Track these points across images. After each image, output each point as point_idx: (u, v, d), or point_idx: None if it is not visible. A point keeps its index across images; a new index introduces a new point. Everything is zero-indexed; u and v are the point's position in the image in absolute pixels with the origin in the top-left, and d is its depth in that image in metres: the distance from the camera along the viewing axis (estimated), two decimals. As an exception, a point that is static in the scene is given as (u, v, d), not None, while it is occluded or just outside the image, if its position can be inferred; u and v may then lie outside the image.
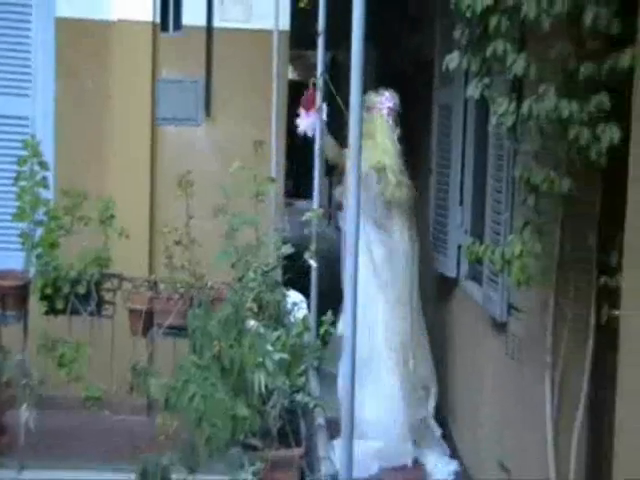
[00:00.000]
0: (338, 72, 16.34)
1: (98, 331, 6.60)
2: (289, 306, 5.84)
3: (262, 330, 4.90)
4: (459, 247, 7.63)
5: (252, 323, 5.05)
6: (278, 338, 5.13)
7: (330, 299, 6.27)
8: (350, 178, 3.00)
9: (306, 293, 6.86)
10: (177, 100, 8.00)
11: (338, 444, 7.26)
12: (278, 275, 6.38)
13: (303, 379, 5.02)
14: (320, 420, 4.76)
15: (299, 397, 4.94)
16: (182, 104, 7.98)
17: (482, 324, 6.94)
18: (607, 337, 4.88)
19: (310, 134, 7.70)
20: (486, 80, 5.28)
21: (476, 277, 7.18)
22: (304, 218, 5.90)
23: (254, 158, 6.53)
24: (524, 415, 5.84)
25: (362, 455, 7.37)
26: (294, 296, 6.18)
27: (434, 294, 8.67)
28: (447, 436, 8.12)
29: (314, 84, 7.70)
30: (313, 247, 5.57)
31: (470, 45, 5.29)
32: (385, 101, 7.98)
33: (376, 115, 7.95)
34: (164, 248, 6.46)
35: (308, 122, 7.63)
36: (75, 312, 6.59)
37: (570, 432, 5.29)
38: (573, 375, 5.33)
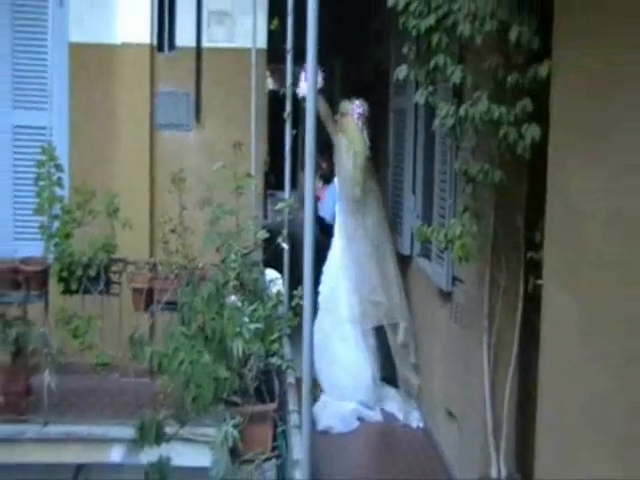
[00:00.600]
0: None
1: (107, 307, 6.60)
2: (267, 283, 5.86)
3: (240, 304, 4.91)
4: (412, 230, 7.66)
5: (233, 298, 5.07)
6: (255, 310, 5.17)
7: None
8: (306, 185, 2.96)
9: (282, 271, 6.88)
10: (172, 109, 8.01)
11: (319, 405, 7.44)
12: (258, 256, 6.41)
13: (277, 345, 5.06)
14: (291, 379, 4.79)
15: (273, 360, 4.97)
16: (176, 112, 7.99)
17: (432, 294, 6.99)
18: (534, 303, 4.91)
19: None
20: (430, 88, 5.34)
21: (426, 254, 7.22)
22: (277, 207, 5.91)
23: (236, 157, 6.54)
24: (466, 370, 5.89)
25: (343, 414, 7.53)
26: (271, 274, 6.22)
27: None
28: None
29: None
30: (285, 232, 5.58)
31: (416, 59, 5.34)
32: (356, 108, 8.17)
33: (349, 119, 8.13)
34: (161, 235, 6.51)
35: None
36: (87, 291, 6.63)
37: (504, 383, 5.35)
38: (506, 335, 5.39)
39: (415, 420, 7.66)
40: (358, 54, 11.19)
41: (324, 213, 8.81)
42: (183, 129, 8.00)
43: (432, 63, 5.11)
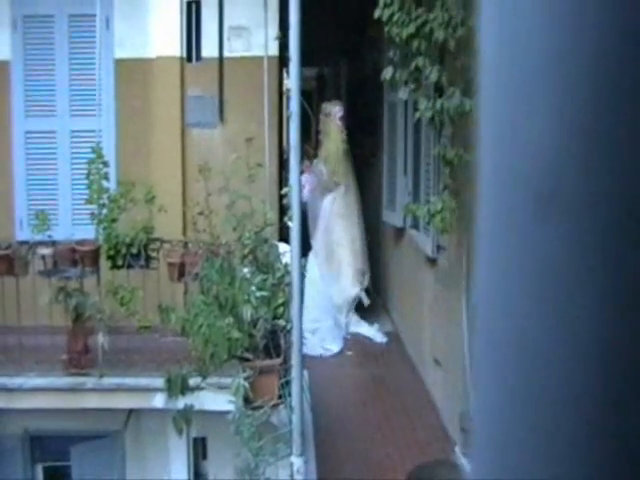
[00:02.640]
0: (323, 82, 16.19)
1: (147, 279, 6.54)
2: (279, 255, 5.72)
3: (249, 275, 4.79)
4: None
5: (245, 270, 4.95)
6: (265, 280, 5.05)
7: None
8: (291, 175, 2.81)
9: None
10: (200, 110, 7.88)
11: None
12: (272, 233, 6.28)
13: (282, 308, 4.93)
14: (293, 337, 4.68)
15: (279, 322, 4.85)
16: (203, 113, 7.86)
17: (420, 260, 6.90)
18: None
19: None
20: (412, 86, 5.20)
21: (416, 226, 7.11)
22: (282, 191, 5.76)
23: (249, 150, 6.42)
24: (449, 324, 5.77)
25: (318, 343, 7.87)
26: (283, 247, 6.09)
27: (390, 239, 8.60)
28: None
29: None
30: (289, 213, 5.43)
31: (400, 61, 5.20)
32: (338, 111, 8.28)
33: (332, 119, 8.38)
34: (191, 217, 6.42)
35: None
36: (130, 267, 6.55)
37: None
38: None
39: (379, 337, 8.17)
40: (360, 56, 11.04)
41: (306, 198, 8.66)
42: (209, 127, 7.87)
43: (413, 65, 4.99)
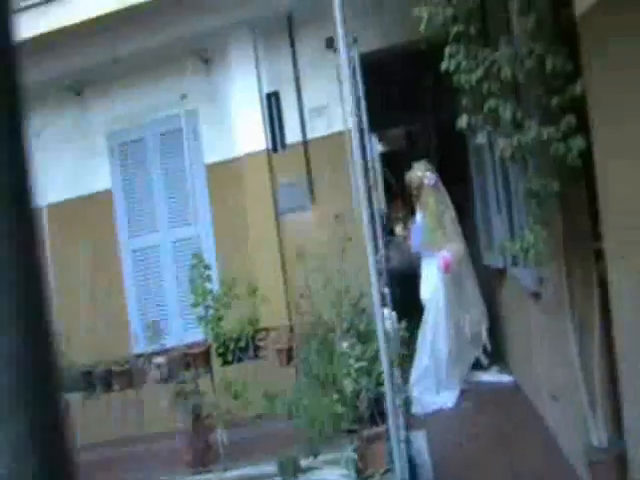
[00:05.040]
0: (411, 140, 16.30)
1: (259, 368, 6.57)
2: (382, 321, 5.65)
3: (346, 349, 4.78)
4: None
5: (345, 345, 4.93)
6: (364, 351, 5.03)
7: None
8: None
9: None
10: (291, 196, 8.02)
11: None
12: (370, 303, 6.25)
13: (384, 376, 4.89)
14: (397, 401, 4.59)
15: (382, 389, 4.79)
16: (295, 198, 7.98)
17: (524, 296, 6.75)
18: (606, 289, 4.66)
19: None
20: (489, 128, 5.15)
21: (516, 263, 7.00)
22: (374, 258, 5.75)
23: (342, 225, 6.48)
24: (561, 356, 5.57)
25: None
26: (386, 312, 6.04)
27: (494, 281, 8.49)
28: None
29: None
30: (384, 279, 5.40)
31: (472, 106, 5.17)
32: (430, 180, 7.99)
33: (426, 189, 8.06)
34: (293, 302, 6.50)
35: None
36: (240, 360, 6.63)
37: (592, 361, 5.04)
38: (588, 319, 5.10)
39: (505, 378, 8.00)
40: (442, 106, 11.11)
41: (414, 249, 8.57)
42: (302, 210, 7.97)
43: (486, 107, 4.96)
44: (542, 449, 6.11)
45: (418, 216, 8.31)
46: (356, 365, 4.52)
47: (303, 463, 5.09)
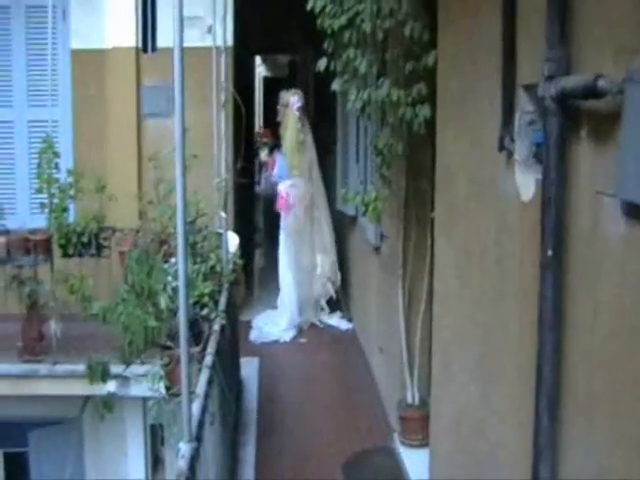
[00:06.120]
0: (295, 69, 16.31)
1: (101, 267, 6.68)
2: (225, 244, 5.83)
3: (165, 265, 4.94)
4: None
5: (173, 260, 5.07)
6: (198, 269, 5.22)
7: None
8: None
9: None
10: (156, 101, 8.00)
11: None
12: (214, 224, 6.40)
13: (206, 298, 5.09)
14: (216, 327, 4.83)
15: (203, 311, 5.00)
16: (159, 103, 7.96)
17: (368, 248, 7.03)
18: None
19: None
20: (345, 77, 5.29)
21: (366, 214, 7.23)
22: (214, 182, 5.88)
23: (205, 138, 6.55)
24: (390, 311, 5.93)
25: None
26: (230, 236, 6.22)
27: (346, 228, 8.79)
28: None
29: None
30: (222, 204, 5.55)
31: (333, 52, 5.31)
32: (296, 101, 8.25)
33: (290, 112, 8.38)
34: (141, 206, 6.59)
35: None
36: (81, 255, 6.70)
37: (416, 320, 5.42)
38: (417, 281, 5.45)
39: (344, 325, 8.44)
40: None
41: (278, 177, 8.80)
42: (164, 116, 7.85)
43: (344, 55, 5.11)
44: (364, 395, 6.55)
45: (283, 145, 8.54)
46: (174, 283, 4.66)
47: (114, 370, 5.27)
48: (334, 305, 8.73)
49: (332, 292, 8.53)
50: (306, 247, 8.51)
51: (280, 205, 8.43)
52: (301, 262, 8.48)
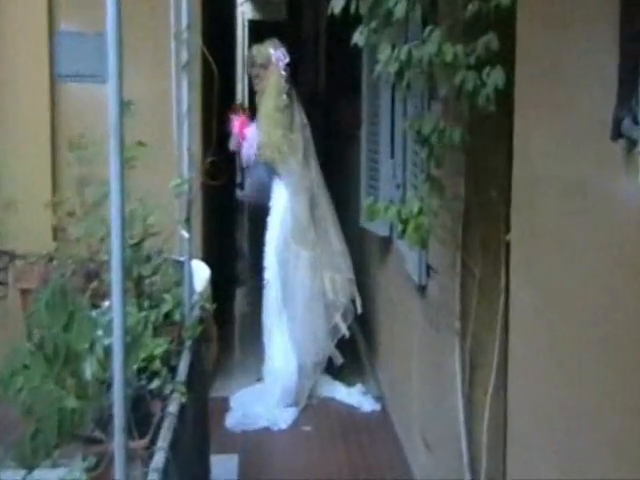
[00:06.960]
0: (296, 10, 16.48)
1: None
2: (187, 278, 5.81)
3: (93, 312, 4.89)
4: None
5: (106, 304, 5.05)
6: (145, 318, 5.17)
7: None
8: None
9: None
10: (78, 55, 7.97)
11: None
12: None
13: (158, 364, 5.03)
14: (172, 408, 4.74)
15: (152, 384, 4.95)
16: (84, 59, 7.93)
17: (408, 283, 6.87)
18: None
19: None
20: (374, 24, 5.24)
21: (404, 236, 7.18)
22: (171, 185, 5.83)
23: (158, 117, 6.55)
24: (441, 387, 5.90)
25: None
26: (196, 266, 6.20)
27: (375, 254, 8.79)
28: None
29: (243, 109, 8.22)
30: (183, 218, 5.49)
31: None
32: (282, 56, 8.28)
33: (272, 71, 8.50)
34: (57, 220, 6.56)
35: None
36: (-41, 294, 6.72)
37: (482, 403, 5.39)
38: (483, 341, 5.41)
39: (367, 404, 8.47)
40: None
41: (247, 157, 8.78)
42: (93, 80, 7.87)
43: (373, -7, 5.09)
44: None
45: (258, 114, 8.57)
46: (107, 341, 4.57)
47: (6, 477, 5.16)
48: (349, 359, 8.81)
49: (344, 329, 8.53)
50: (308, 265, 8.51)
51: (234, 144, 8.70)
52: (302, 294, 8.48)
